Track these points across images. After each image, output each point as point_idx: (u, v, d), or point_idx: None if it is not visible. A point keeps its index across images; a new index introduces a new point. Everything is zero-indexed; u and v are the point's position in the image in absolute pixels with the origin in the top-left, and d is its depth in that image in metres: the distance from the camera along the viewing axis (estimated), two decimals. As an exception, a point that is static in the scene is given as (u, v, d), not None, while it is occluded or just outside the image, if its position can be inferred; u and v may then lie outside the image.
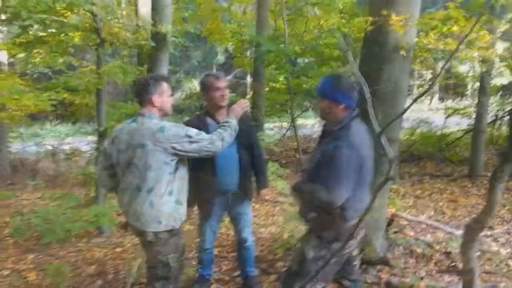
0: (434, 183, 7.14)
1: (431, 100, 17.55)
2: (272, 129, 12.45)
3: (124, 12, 9.58)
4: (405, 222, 4.89)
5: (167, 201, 2.51)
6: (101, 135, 4.77)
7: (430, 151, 9.43)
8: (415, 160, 9.10)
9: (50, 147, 10.97)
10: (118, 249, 4.42)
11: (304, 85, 11.59)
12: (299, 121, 14.88)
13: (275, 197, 6.70)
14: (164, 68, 4.92)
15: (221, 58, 21.60)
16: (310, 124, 14.80)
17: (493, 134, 9.79)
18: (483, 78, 6.73)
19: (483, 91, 6.82)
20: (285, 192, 5.71)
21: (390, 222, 4.30)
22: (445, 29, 3.47)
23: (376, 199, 2.20)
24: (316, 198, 2.26)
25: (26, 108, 6.12)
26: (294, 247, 3.92)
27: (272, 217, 5.73)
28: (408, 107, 2.41)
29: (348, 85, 2.32)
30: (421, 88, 17.01)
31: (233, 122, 2.73)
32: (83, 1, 4.18)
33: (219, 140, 2.59)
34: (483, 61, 6.61)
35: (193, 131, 2.55)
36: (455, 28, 3.51)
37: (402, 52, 3.53)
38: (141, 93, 2.57)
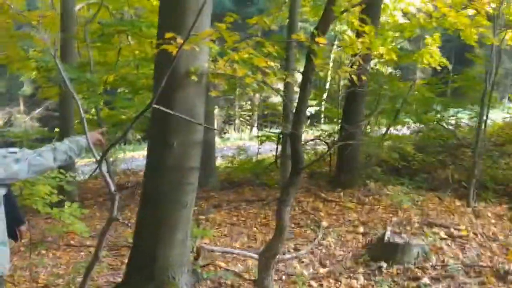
0: (250, 209, 7.26)
1: (251, 129, 18.55)
2: (86, 166, 11.38)
3: None
4: (217, 253, 4.74)
5: None
6: None
7: (248, 177, 9.73)
8: (234, 187, 9.24)
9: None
10: None
11: (123, 116, 11.03)
12: (130, 153, 14.12)
13: (80, 242, 5.97)
14: None
15: (27, 89, 19.18)
16: (142, 156, 14.22)
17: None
18: (285, 107, 7.16)
19: (286, 119, 7.24)
20: (87, 235, 5.07)
21: (197, 256, 4.07)
22: (234, 56, 3.45)
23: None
24: None
25: None
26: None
27: (74, 264, 5.02)
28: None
29: None
30: (241, 118, 17.93)
31: (82, 140, 2.43)
32: None
33: (49, 151, 2.25)
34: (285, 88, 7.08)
35: (15, 148, 2.22)
36: (245, 55, 3.52)
37: (194, 77, 3.40)
38: None
